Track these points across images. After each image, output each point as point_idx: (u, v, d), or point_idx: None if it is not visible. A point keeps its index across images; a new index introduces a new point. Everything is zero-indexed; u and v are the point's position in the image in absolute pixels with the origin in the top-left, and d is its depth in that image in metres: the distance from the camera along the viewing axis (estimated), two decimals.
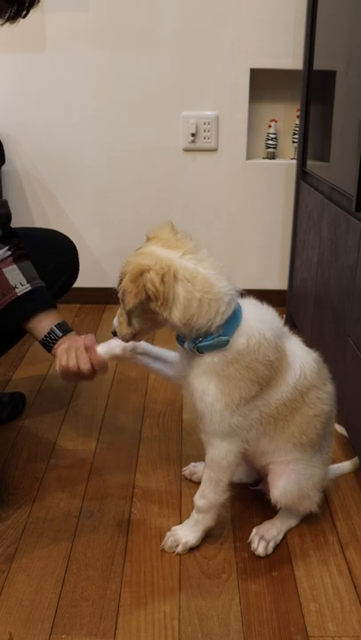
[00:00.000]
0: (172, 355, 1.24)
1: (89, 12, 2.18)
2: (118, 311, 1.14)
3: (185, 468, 1.45)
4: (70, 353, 1.26)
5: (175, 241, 1.09)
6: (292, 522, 1.29)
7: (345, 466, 1.46)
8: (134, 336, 1.15)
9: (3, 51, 2.23)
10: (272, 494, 1.20)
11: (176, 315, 1.04)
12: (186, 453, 1.54)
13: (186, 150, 2.34)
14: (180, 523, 1.27)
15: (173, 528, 1.24)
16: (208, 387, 1.09)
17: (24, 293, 1.33)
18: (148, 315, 1.07)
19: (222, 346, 1.06)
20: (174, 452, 1.55)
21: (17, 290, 1.33)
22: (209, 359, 1.08)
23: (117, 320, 1.16)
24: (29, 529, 1.28)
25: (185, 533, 1.22)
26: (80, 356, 1.25)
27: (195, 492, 1.22)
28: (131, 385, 1.88)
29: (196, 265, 1.06)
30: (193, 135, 2.30)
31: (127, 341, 1.17)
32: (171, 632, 1.05)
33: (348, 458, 1.49)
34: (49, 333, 1.33)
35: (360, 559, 1.22)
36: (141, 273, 1.02)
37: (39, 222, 2.44)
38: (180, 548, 1.21)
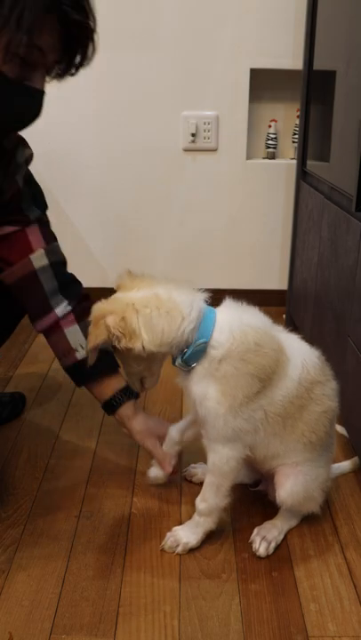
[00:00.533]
0: (191, 415, 1.31)
1: None
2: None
3: (184, 470, 1.45)
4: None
5: (130, 283, 1.13)
6: (293, 522, 1.29)
7: (345, 465, 1.46)
8: (140, 380, 1.22)
9: None
10: (278, 495, 1.19)
11: (147, 340, 1.06)
12: (186, 454, 1.53)
13: (186, 150, 2.34)
14: (180, 523, 1.27)
15: (174, 528, 1.24)
16: (207, 391, 1.08)
17: (85, 358, 1.26)
18: (131, 355, 1.10)
19: (203, 348, 1.07)
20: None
21: (77, 354, 1.30)
22: (200, 366, 1.09)
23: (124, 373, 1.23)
24: (29, 529, 1.28)
25: (185, 534, 1.22)
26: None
27: (195, 493, 1.22)
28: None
29: (149, 291, 1.09)
30: (193, 135, 2.30)
31: (140, 391, 1.25)
32: (171, 632, 1.05)
33: (348, 458, 1.49)
34: (113, 398, 1.32)
35: (360, 559, 1.22)
36: (102, 316, 1.07)
37: None
38: (180, 549, 1.21)
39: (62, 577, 1.16)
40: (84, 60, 1.15)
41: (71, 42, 1.08)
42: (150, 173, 2.37)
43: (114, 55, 2.23)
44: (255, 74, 2.25)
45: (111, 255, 2.48)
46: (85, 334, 1.26)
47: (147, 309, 1.06)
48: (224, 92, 2.26)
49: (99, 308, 1.10)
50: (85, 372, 1.29)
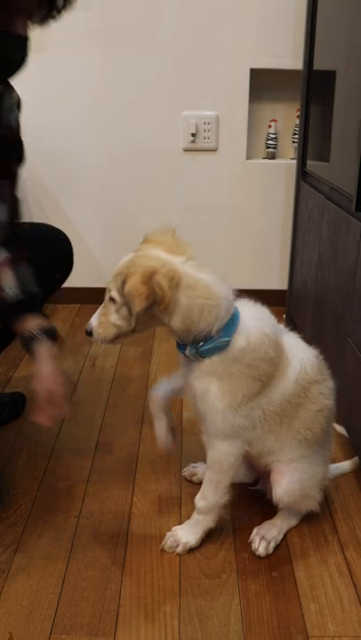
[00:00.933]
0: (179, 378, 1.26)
1: (89, 11, 2.18)
2: (98, 311, 1.13)
3: (185, 469, 1.45)
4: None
5: (177, 247, 1.09)
6: (293, 521, 1.29)
7: (345, 465, 1.46)
8: (116, 338, 1.13)
9: None
10: (275, 493, 1.20)
11: (176, 321, 1.05)
12: (186, 454, 1.54)
13: (186, 150, 2.34)
14: (180, 523, 1.27)
15: (173, 528, 1.24)
16: (209, 387, 1.09)
17: (14, 300, 1.29)
18: (145, 318, 1.06)
19: (223, 347, 1.07)
20: (174, 452, 1.55)
21: (4, 293, 1.29)
22: (209, 361, 1.08)
23: (97, 319, 1.13)
24: (29, 529, 1.28)
25: (185, 534, 1.22)
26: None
27: (195, 493, 1.22)
28: (131, 385, 1.88)
29: (198, 272, 1.06)
30: (193, 135, 2.30)
31: (106, 343, 1.14)
32: (171, 632, 1.05)
33: (348, 458, 1.49)
34: (31, 334, 1.27)
35: (360, 559, 1.22)
36: (152, 275, 1.01)
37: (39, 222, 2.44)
38: (179, 549, 1.21)
39: (62, 577, 1.16)
40: (67, 3, 1.15)
41: None
42: (150, 173, 2.37)
43: (114, 55, 2.23)
44: (255, 74, 2.25)
45: (111, 255, 2.46)
46: (19, 279, 1.29)
47: (191, 292, 1.03)
48: (224, 92, 2.26)
49: (144, 264, 1.04)
50: (9, 311, 1.30)
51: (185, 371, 1.15)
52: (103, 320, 1.12)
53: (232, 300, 1.09)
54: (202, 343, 1.07)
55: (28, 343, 1.28)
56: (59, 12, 1.16)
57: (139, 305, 1.02)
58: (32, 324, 1.29)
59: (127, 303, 1.05)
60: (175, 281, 1.02)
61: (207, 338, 1.06)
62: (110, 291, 1.09)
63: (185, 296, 1.03)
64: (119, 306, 1.08)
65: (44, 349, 1.26)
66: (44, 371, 1.24)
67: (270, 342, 1.10)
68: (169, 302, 1.02)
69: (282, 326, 1.18)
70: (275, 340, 1.11)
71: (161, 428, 1.28)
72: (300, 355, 1.16)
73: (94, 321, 1.14)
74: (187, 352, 1.09)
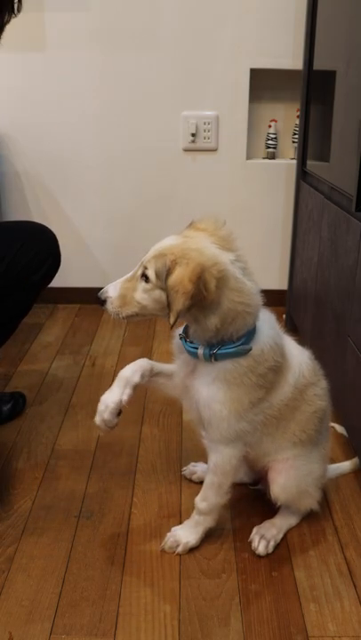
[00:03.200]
0: (172, 367, 1.19)
1: (89, 11, 2.18)
2: (121, 281, 1.04)
3: (185, 468, 1.45)
4: None
5: (227, 242, 1.04)
6: (293, 521, 1.29)
7: (345, 466, 1.46)
8: (131, 316, 1.06)
9: (3, 51, 2.22)
10: (272, 491, 1.20)
11: (212, 321, 1.01)
12: (186, 453, 1.54)
13: (186, 150, 2.34)
14: (180, 523, 1.27)
15: (174, 528, 1.24)
16: (217, 394, 1.08)
17: None
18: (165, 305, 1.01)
19: (243, 354, 1.05)
20: (174, 452, 1.55)
21: None
22: (221, 365, 1.06)
23: (117, 290, 1.05)
24: (29, 529, 1.28)
25: (185, 534, 1.22)
26: None
27: (195, 492, 1.22)
28: None
29: (244, 275, 1.04)
30: (193, 135, 2.30)
31: (117, 317, 1.06)
32: (171, 632, 1.05)
33: (348, 458, 1.49)
34: None
35: (360, 559, 1.22)
36: (202, 273, 0.96)
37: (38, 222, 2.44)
38: (180, 549, 1.21)
39: (62, 577, 1.16)
40: (10, 19, 1.20)
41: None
42: (150, 173, 2.37)
43: (114, 55, 2.23)
44: (255, 74, 2.25)
45: (111, 255, 2.48)
46: None
47: (236, 296, 1.00)
48: (224, 92, 2.26)
49: (196, 258, 0.96)
50: None
51: (186, 377, 1.13)
52: (125, 293, 1.05)
53: (261, 309, 1.08)
54: (219, 347, 1.05)
55: None
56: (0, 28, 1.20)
57: (182, 303, 0.96)
58: None
59: (167, 293, 0.98)
60: (223, 282, 0.99)
61: (226, 341, 1.05)
62: (146, 268, 1.02)
63: (228, 299, 1.00)
64: (152, 287, 1.02)
65: None
66: None
67: (279, 351, 1.10)
68: (211, 302, 0.99)
69: (283, 332, 1.18)
70: (282, 349, 1.12)
71: (113, 397, 1.12)
72: (298, 359, 1.16)
73: (112, 290, 1.06)
74: (199, 352, 1.06)
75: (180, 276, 0.96)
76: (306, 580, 1.17)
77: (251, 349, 1.05)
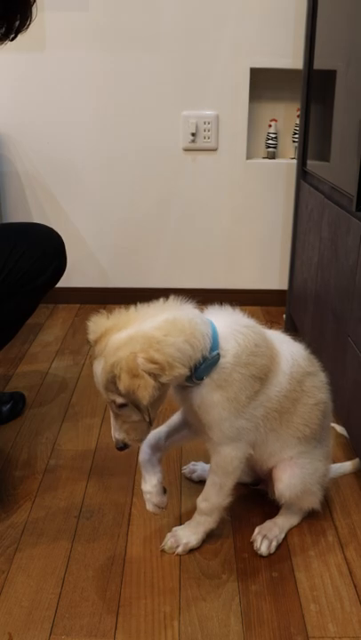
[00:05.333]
0: (177, 418, 1.23)
1: (89, 11, 2.18)
2: (114, 423, 1.08)
3: (185, 467, 1.45)
4: None
5: (120, 319, 1.05)
6: (294, 520, 1.29)
7: (346, 466, 1.46)
8: (149, 429, 1.09)
9: (3, 51, 2.22)
10: (277, 488, 1.20)
11: (182, 369, 1.02)
12: (186, 453, 1.54)
13: (186, 150, 2.34)
14: (181, 523, 1.27)
15: (174, 529, 1.24)
16: (212, 398, 1.08)
17: None
18: (157, 394, 1.02)
19: (216, 361, 1.06)
20: (174, 451, 1.54)
21: None
22: (209, 379, 1.07)
23: (121, 432, 1.08)
24: (29, 529, 1.28)
25: (186, 534, 1.22)
26: None
27: (195, 492, 1.22)
28: None
29: (155, 318, 1.03)
30: (193, 135, 2.29)
31: (143, 440, 1.11)
32: (171, 632, 1.05)
33: (348, 458, 1.49)
34: None
35: (360, 559, 1.22)
36: (135, 361, 0.98)
37: (39, 222, 2.44)
38: (180, 549, 1.21)
39: (62, 577, 1.16)
40: (24, 25, 1.14)
41: (11, 5, 1.07)
42: (150, 173, 2.37)
43: (114, 55, 2.23)
44: (255, 73, 2.25)
45: (111, 255, 2.48)
46: None
47: (170, 337, 1.01)
48: (224, 91, 2.26)
49: (119, 356, 0.99)
50: None
51: (180, 394, 1.13)
52: (127, 427, 1.08)
53: (199, 314, 1.08)
54: (196, 368, 1.05)
55: None
56: (16, 33, 1.15)
57: (146, 396, 0.98)
58: None
59: (129, 399, 1.01)
60: (155, 342, 0.99)
61: (202, 360, 1.05)
62: (112, 401, 1.04)
63: (170, 346, 1.00)
64: (132, 404, 1.03)
65: None
66: None
67: (255, 335, 1.10)
68: (167, 363, 0.99)
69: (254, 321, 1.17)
70: (257, 332, 1.11)
71: (150, 484, 1.18)
72: (288, 347, 1.17)
73: (119, 435, 1.09)
74: (189, 382, 1.07)
75: (123, 379, 0.98)
76: (306, 580, 1.16)
77: (218, 353, 1.05)
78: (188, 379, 1.06)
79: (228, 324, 1.10)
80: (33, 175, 2.39)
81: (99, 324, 1.07)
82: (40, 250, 1.55)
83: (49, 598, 1.11)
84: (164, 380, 1.00)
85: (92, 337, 1.07)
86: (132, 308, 1.07)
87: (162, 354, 1.00)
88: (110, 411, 1.09)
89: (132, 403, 1.01)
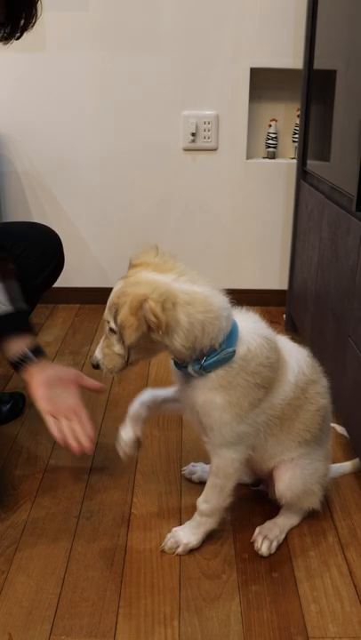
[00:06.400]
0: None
1: (89, 11, 2.18)
2: (101, 342, 1.11)
3: (184, 468, 1.45)
4: (62, 421, 1.19)
5: (164, 263, 1.06)
6: (294, 521, 1.29)
7: (346, 466, 1.46)
8: (124, 368, 1.11)
9: (3, 51, 2.22)
10: (277, 489, 1.20)
11: (178, 341, 1.02)
12: (186, 453, 1.53)
13: (186, 150, 2.34)
14: (181, 523, 1.27)
15: (174, 529, 1.24)
16: (214, 400, 1.08)
17: (3, 315, 1.27)
18: (146, 344, 1.04)
19: (229, 359, 1.05)
20: (174, 451, 1.54)
21: None
22: (214, 375, 1.06)
23: (101, 352, 1.11)
24: (29, 529, 1.28)
25: (186, 535, 1.22)
26: (77, 429, 1.19)
27: (195, 492, 1.22)
28: (131, 385, 1.87)
29: (192, 285, 1.04)
30: (193, 135, 2.29)
31: (115, 374, 1.12)
32: (171, 632, 1.05)
33: (348, 458, 1.49)
34: (22, 355, 1.25)
35: (360, 559, 1.21)
36: (141, 304, 0.99)
37: (39, 222, 2.43)
38: (180, 549, 1.21)
39: (62, 577, 1.16)
40: (29, 24, 1.14)
41: (16, 3, 1.08)
42: (150, 173, 2.37)
43: (114, 55, 2.22)
44: (255, 73, 2.25)
45: (111, 255, 2.48)
46: (8, 294, 1.26)
47: (190, 308, 1.01)
48: (224, 91, 2.26)
49: (133, 292, 1.00)
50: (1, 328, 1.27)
51: (183, 389, 1.13)
52: (107, 352, 1.10)
53: (230, 309, 1.08)
54: (205, 358, 1.05)
55: (21, 363, 1.25)
56: (21, 32, 1.15)
57: (129, 337, 1.01)
58: (21, 344, 1.26)
59: (119, 333, 1.03)
60: (171, 301, 1.00)
61: (210, 352, 1.05)
62: (108, 322, 1.07)
63: (184, 314, 1.01)
64: (119, 336, 1.05)
65: (34, 371, 1.23)
66: (39, 393, 1.21)
67: (269, 346, 1.10)
68: (167, 325, 1.00)
69: (272, 330, 1.17)
70: (273, 344, 1.11)
71: (128, 434, 1.24)
72: (295, 356, 1.16)
73: (98, 353, 1.12)
74: (190, 370, 1.07)
75: (123, 313, 1.00)
76: (306, 580, 1.16)
77: (234, 351, 1.05)
78: (196, 365, 1.06)
79: (249, 330, 1.09)
80: (33, 175, 2.38)
81: (144, 255, 1.09)
82: (39, 249, 1.54)
83: (49, 598, 1.11)
84: (155, 337, 1.01)
85: (132, 260, 1.09)
86: (183, 265, 1.07)
87: (169, 315, 1.00)
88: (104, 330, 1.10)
89: (119, 335, 1.03)
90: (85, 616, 1.08)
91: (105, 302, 1.10)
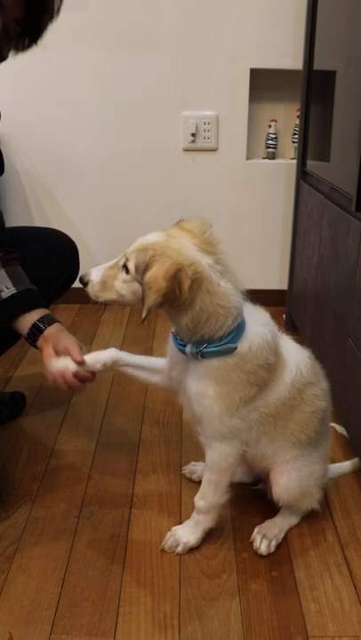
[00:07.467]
0: (157, 362, 1.23)
1: (89, 11, 2.18)
2: (105, 268, 1.10)
3: (185, 468, 1.45)
4: (58, 378, 1.21)
5: (209, 244, 1.06)
6: (294, 520, 1.29)
7: (345, 466, 1.46)
8: (109, 303, 1.10)
9: None
10: (274, 492, 1.20)
11: (183, 319, 1.04)
12: (186, 453, 1.54)
13: (186, 150, 2.34)
14: (180, 523, 1.27)
15: (173, 528, 1.24)
16: (206, 390, 1.08)
17: (9, 296, 1.30)
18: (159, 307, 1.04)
19: (228, 353, 1.06)
20: (174, 451, 1.55)
21: (2, 293, 1.31)
22: (208, 363, 1.07)
23: (99, 275, 1.10)
24: (29, 529, 1.28)
25: (185, 533, 1.22)
26: (69, 381, 1.21)
27: (195, 492, 1.22)
28: (131, 385, 1.87)
29: (220, 278, 1.05)
30: (193, 135, 2.30)
31: (96, 300, 1.11)
32: (171, 632, 1.05)
33: (348, 458, 1.49)
34: (32, 327, 1.29)
35: (360, 559, 1.22)
36: (177, 272, 0.98)
37: (39, 222, 2.44)
38: (180, 549, 1.21)
39: (62, 577, 1.16)
40: (46, 26, 1.20)
41: (36, 5, 1.13)
42: (150, 173, 2.37)
43: (114, 55, 2.23)
44: (255, 74, 2.25)
45: (111, 255, 2.46)
46: (11, 278, 1.29)
47: (208, 298, 1.02)
48: (224, 91, 2.26)
49: (173, 257, 0.99)
50: (9, 311, 1.31)
51: (178, 368, 1.14)
52: (106, 280, 1.09)
53: (241, 310, 1.08)
54: (206, 345, 1.06)
55: (34, 335, 1.28)
56: (35, 41, 1.18)
57: (154, 299, 0.99)
58: (29, 320, 1.29)
59: (142, 288, 1.02)
60: (199, 283, 1.01)
61: (211, 340, 1.06)
62: (128, 260, 1.06)
63: (201, 300, 1.02)
64: (131, 279, 1.06)
65: (53, 329, 1.27)
66: (47, 350, 1.24)
67: (270, 349, 1.10)
68: (184, 302, 1.01)
69: (278, 330, 1.18)
70: (274, 347, 1.11)
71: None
72: (295, 357, 1.16)
73: (95, 275, 1.11)
74: (187, 350, 1.09)
75: (156, 272, 0.99)
76: (306, 580, 1.17)
77: (235, 348, 1.06)
78: (194, 348, 1.06)
79: (256, 331, 1.09)
80: (33, 175, 2.39)
81: (196, 225, 1.09)
82: (55, 256, 1.55)
83: (49, 598, 1.11)
84: (169, 304, 1.01)
85: (182, 222, 1.09)
86: (223, 254, 1.08)
87: (192, 294, 1.00)
88: (117, 258, 1.09)
89: (139, 284, 1.02)
90: (86, 615, 1.08)
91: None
